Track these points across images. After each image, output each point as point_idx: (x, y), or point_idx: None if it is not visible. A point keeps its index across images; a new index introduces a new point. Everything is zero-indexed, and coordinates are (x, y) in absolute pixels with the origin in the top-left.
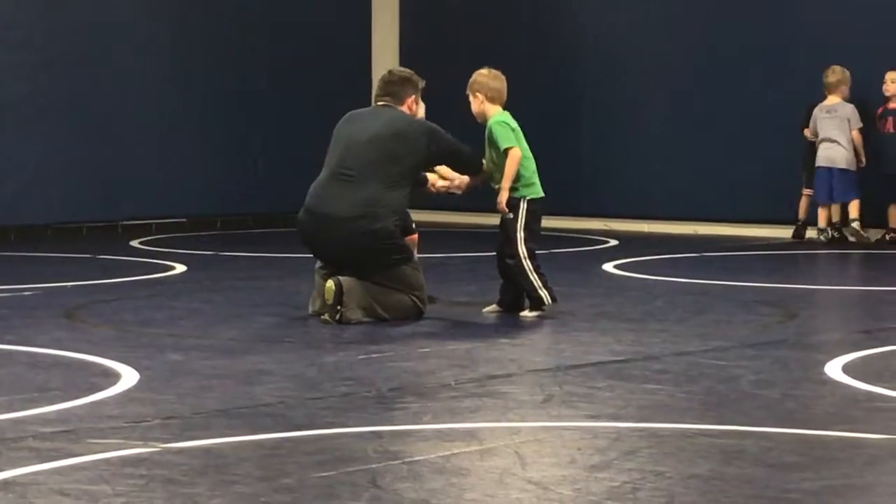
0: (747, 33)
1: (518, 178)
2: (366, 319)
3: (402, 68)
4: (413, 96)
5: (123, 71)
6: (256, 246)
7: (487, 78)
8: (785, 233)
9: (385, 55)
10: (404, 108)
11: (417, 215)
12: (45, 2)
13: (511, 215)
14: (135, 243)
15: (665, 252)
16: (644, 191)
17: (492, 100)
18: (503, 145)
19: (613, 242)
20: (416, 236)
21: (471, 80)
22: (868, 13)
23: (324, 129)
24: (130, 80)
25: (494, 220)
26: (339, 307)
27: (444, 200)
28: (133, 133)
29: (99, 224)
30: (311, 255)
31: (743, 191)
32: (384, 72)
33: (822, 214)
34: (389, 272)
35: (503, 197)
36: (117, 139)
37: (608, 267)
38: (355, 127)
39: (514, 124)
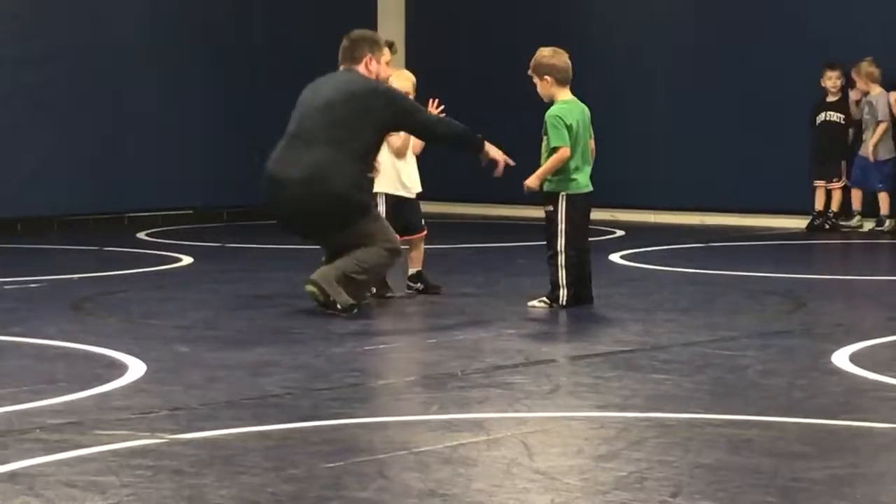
0: (754, 23)
1: (556, 171)
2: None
3: (361, 30)
4: (369, 55)
5: (129, 63)
6: (263, 237)
7: (552, 58)
8: (792, 222)
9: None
10: (361, 68)
11: (424, 206)
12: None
13: (551, 207)
14: (141, 235)
15: (672, 242)
16: (650, 181)
17: (560, 82)
18: (552, 143)
19: (620, 233)
20: (424, 232)
21: (534, 61)
22: (868, 10)
23: None
24: (136, 72)
25: (502, 211)
26: (330, 301)
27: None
28: (139, 125)
29: (105, 216)
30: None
31: (750, 180)
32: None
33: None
34: (351, 231)
35: (534, 182)
36: (123, 131)
37: (615, 257)
38: (313, 93)
39: (574, 117)
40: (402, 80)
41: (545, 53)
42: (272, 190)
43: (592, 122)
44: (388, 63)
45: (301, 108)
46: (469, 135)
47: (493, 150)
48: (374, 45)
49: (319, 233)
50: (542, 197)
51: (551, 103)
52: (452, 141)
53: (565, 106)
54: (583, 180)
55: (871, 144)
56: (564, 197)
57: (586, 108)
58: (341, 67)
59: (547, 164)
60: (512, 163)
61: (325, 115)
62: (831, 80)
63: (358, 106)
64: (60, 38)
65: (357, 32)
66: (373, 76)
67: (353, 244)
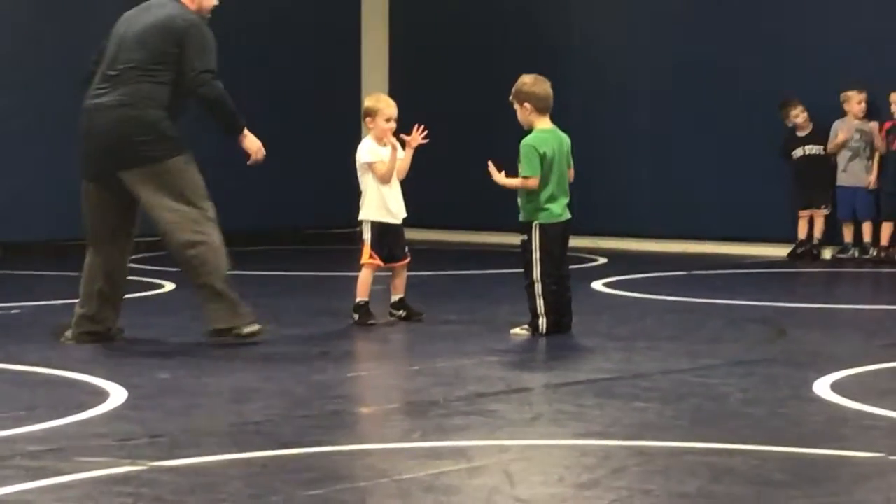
0: (737, 51)
1: (530, 201)
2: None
3: None
4: None
5: None
6: (245, 264)
7: (532, 86)
8: (773, 251)
9: (375, 74)
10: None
11: (407, 233)
12: (39, 13)
13: (525, 236)
14: None
15: (654, 270)
16: (633, 209)
17: (539, 110)
18: (522, 172)
19: (602, 260)
20: (407, 259)
21: (515, 88)
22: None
23: (313, 147)
24: None
25: (484, 238)
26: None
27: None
28: None
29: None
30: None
31: (731, 209)
32: None
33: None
34: (153, 171)
35: (499, 178)
36: None
37: (597, 285)
38: (128, 24)
39: (549, 146)
40: (382, 105)
41: (526, 81)
42: (85, 121)
43: (574, 150)
44: None
45: (115, 40)
46: (234, 114)
47: (248, 140)
48: None
49: (125, 166)
50: (518, 226)
51: (530, 130)
52: (213, 106)
53: (541, 135)
54: (557, 209)
55: (873, 174)
56: (537, 227)
57: (566, 138)
58: None
59: (513, 182)
60: (261, 157)
61: (139, 46)
62: (799, 116)
63: (170, 37)
64: (46, 62)
65: None
66: (196, 6)
67: (153, 189)
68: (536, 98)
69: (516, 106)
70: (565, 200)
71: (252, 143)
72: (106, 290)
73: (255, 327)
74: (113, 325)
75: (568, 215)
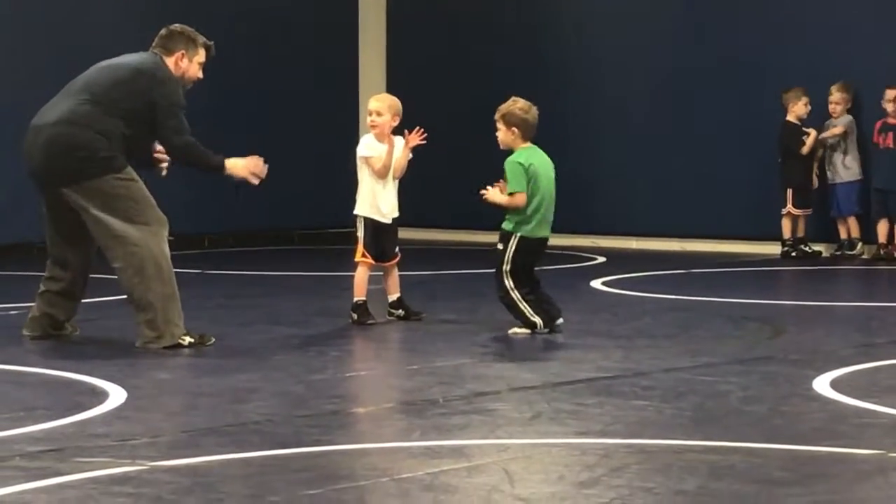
0: (732, 50)
1: (515, 213)
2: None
3: (183, 25)
4: (182, 51)
5: None
6: (243, 264)
7: (525, 114)
8: (771, 249)
9: (372, 74)
10: (171, 61)
11: (406, 233)
12: (37, 12)
13: (501, 246)
14: None
15: (652, 269)
16: (631, 207)
17: (524, 137)
18: (510, 189)
19: (601, 259)
20: (397, 258)
21: (506, 110)
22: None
23: (310, 150)
24: None
25: (483, 237)
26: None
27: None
28: None
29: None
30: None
31: (729, 207)
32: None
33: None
34: (93, 188)
35: (494, 197)
36: None
37: (596, 284)
38: (105, 61)
39: (535, 160)
40: (383, 103)
41: (520, 107)
42: (29, 137)
43: (572, 149)
44: (200, 64)
45: (87, 71)
46: (207, 162)
47: (237, 168)
48: (189, 43)
49: (61, 183)
50: (499, 237)
51: (509, 152)
52: (189, 163)
53: (525, 152)
54: (538, 226)
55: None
56: (517, 238)
57: (549, 161)
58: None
59: (504, 200)
60: (258, 171)
61: (101, 75)
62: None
63: (139, 81)
64: (40, 62)
65: (178, 26)
66: (180, 73)
67: (93, 206)
68: (526, 126)
69: (501, 126)
70: (550, 219)
71: (240, 171)
72: (66, 288)
73: (185, 340)
74: (67, 322)
75: (548, 234)
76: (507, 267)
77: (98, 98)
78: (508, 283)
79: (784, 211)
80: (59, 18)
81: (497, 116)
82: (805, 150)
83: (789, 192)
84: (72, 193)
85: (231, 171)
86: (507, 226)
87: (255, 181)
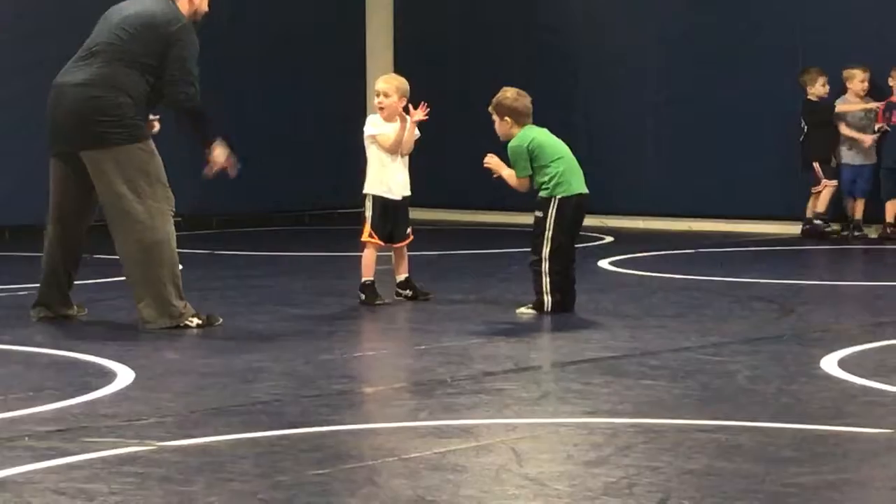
0: (742, 30)
1: (549, 178)
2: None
3: None
4: None
5: None
6: (252, 245)
7: (514, 102)
8: (779, 228)
9: (381, 55)
10: (182, 1)
11: (415, 213)
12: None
13: (541, 213)
14: None
15: (660, 248)
16: (639, 187)
17: (519, 124)
18: (518, 174)
19: (609, 239)
20: (408, 240)
21: (495, 100)
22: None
23: (318, 130)
24: None
25: (491, 217)
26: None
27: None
28: None
29: (93, 223)
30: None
31: (737, 187)
32: None
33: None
34: (115, 155)
35: (501, 168)
36: None
37: (604, 263)
38: (117, 11)
39: (532, 135)
40: (391, 84)
41: (508, 95)
42: (53, 97)
43: (579, 128)
44: None
45: (99, 24)
46: (205, 130)
47: (217, 152)
48: None
49: (84, 146)
50: (537, 203)
51: (507, 141)
52: (188, 115)
53: (521, 133)
54: (574, 182)
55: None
56: (556, 200)
57: (547, 130)
58: None
59: (507, 174)
60: (234, 173)
61: (119, 31)
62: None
63: (155, 32)
64: (49, 46)
65: None
66: (193, 9)
67: (109, 173)
68: (518, 114)
69: (495, 118)
70: (580, 172)
71: (218, 157)
72: (66, 266)
73: (192, 321)
74: (65, 304)
75: (585, 189)
76: (550, 233)
77: (124, 55)
78: (546, 250)
79: (818, 188)
80: None
81: (490, 109)
82: (878, 127)
83: (816, 165)
84: (95, 155)
85: (214, 147)
86: (543, 193)
87: (233, 173)
